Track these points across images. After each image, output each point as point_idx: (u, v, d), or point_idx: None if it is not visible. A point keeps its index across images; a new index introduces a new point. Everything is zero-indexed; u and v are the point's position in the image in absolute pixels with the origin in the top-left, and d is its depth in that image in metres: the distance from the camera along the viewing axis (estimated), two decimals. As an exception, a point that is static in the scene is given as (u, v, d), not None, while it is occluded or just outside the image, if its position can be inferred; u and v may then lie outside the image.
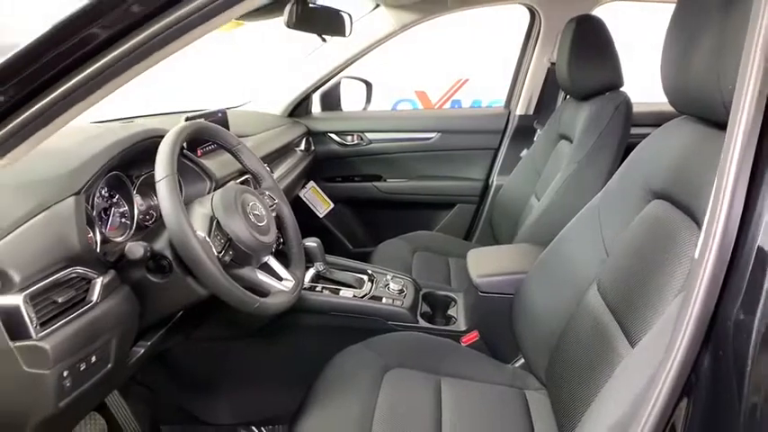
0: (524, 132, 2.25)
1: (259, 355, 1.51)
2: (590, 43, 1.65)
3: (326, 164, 2.34)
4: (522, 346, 1.31)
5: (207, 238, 0.94)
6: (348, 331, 1.38)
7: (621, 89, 1.65)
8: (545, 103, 2.22)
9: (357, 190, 2.38)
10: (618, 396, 0.76)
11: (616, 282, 1.01)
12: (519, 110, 2.27)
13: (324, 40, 1.55)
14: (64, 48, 0.60)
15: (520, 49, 2.25)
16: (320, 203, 2.33)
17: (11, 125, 0.60)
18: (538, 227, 1.63)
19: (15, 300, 0.75)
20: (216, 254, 0.95)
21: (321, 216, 2.33)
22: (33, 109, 0.61)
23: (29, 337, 0.76)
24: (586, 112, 1.64)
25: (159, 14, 0.61)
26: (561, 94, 2.18)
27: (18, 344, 0.75)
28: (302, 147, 2.20)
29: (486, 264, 1.48)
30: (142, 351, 1.11)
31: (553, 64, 2.10)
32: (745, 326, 0.54)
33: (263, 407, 1.53)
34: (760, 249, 0.54)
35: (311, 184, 2.31)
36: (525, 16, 2.23)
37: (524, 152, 2.16)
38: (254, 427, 1.56)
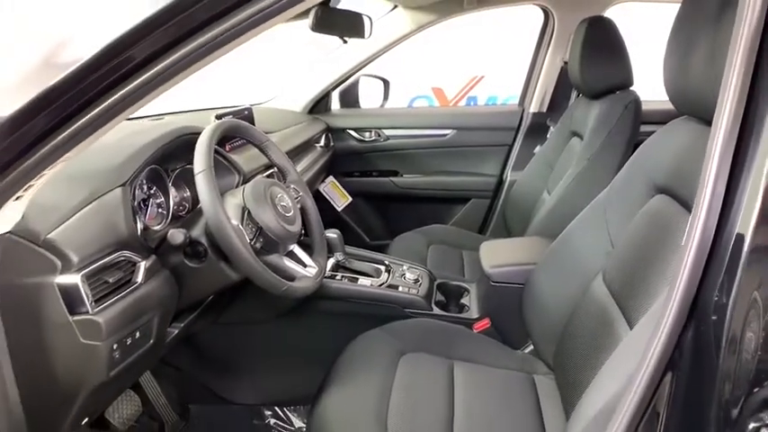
0: (538, 129, 2.30)
1: (282, 339, 1.60)
2: (601, 44, 1.70)
3: (345, 159, 2.42)
4: (531, 333, 1.38)
5: (240, 226, 1.03)
6: (366, 318, 1.44)
7: (631, 88, 1.70)
8: (558, 101, 2.27)
9: (374, 185, 2.46)
10: (614, 373, 0.83)
11: (620, 272, 1.07)
12: (533, 107, 2.32)
13: (345, 41, 1.63)
14: (119, 60, 0.69)
15: (534, 49, 2.30)
16: (339, 197, 2.40)
17: (78, 123, 0.69)
18: (548, 221, 1.69)
19: (74, 278, 0.84)
20: (248, 241, 1.04)
21: (340, 210, 2.41)
22: (97, 109, 0.70)
23: (85, 311, 0.85)
24: (597, 110, 1.69)
25: (207, 26, 0.69)
26: (574, 92, 2.22)
27: (76, 318, 0.85)
28: (322, 143, 2.28)
29: (498, 255, 1.55)
30: (176, 332, 1.20)
31: (566, 63, 2.15)
32: (722, 306, 0.60)
33: (285, 388, 1.61)
34: (737, 237, 0.60)
35: (330, 178, 2.39)
36: (539, 16, 2.27)
37: (537, 148, 2.21)
38: (276, 407, 1.65)
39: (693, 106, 0.96)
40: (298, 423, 1.62)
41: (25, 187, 0.77)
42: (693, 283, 0.63)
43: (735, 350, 0.59)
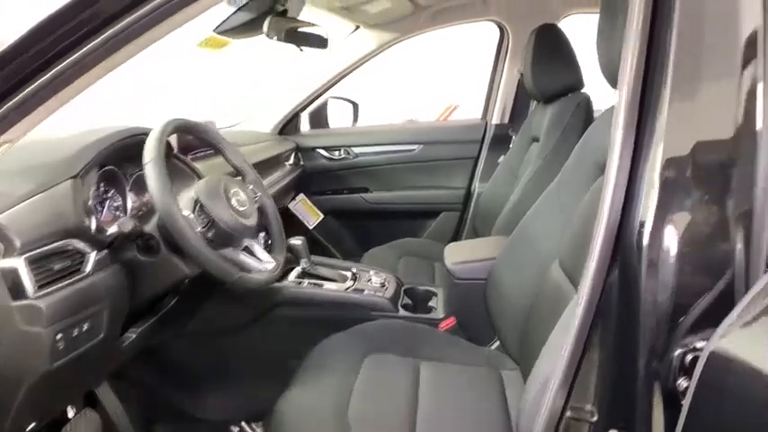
0: (501, 140, 2.36)
1: (247, 351, 1.57)
2: (551, 49, 1.77)
3: (316, 178, 2.45)
4: (496, 328, 1.38)
5: (191, 215, 1.03)
6: (332, 322, 1.42)
7: (582, 90, 1.77)
8: (518, 112, 2.35)
9: (345, 201, 2.48)
10: (561, 331, 0.84)
11: (573, 250, 1.09)
12: (495, 119, 2.39)
13: (301, 49, 1.68)
14: (57, 35, 0.70)
15: (492, 64, 2.39)
16: (310, 215, 2.42)
17: (10, 102, 0.70)
18: (508, 220, 1.71)
19: (16, 262, 0.83)
20: (198, 229, 1.04)
21: (311, 227, 2.42)
22: (31, 88, 0.71)
23: (26, 296, 0.84)
24: (550, 112, 1.75)
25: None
26: (533, 101, 2.30)
27: (17, 303, 0.83)
28: (291, 161, 2.31)
29: (461, 253, 1.56)
30: (134, 337, 1.17)
31: (522, 74, 2.23)
32: (640, 239, 0.62)
33: (252, 402, 1.57)
34: (649, 182, 0.64)
35: (301, 196, 2.41)
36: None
37: (501, 158, 2.27)
38: (244, 423, 1.60)
39: None
40: (266, 438, 1.58)
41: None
42: (615, 222, 0.65)
43: (656, 285, 0.61)
